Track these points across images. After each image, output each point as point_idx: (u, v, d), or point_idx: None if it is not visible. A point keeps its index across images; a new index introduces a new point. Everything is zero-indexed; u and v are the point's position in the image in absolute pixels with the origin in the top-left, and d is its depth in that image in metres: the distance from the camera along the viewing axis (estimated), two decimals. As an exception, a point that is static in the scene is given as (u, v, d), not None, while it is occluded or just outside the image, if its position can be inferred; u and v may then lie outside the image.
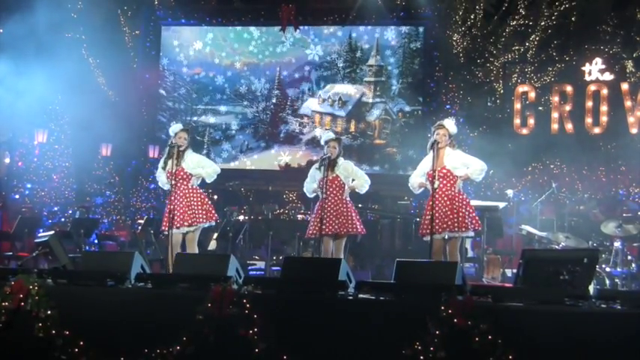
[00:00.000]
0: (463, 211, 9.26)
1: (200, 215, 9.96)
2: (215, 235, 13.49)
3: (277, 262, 13.03)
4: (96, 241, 14.65)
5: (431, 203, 9.15)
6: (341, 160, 10.15)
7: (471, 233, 9.51)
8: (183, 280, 7.55)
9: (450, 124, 9.63)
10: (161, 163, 10.10)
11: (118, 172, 18.53)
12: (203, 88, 19.23)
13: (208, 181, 10.14)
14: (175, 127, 10.16)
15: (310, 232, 10.03)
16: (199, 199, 10.05)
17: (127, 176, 18.64)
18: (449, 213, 9.22)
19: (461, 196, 9.36)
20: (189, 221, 9.86)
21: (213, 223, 10.24)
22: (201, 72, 19.27)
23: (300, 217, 14.99)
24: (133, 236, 14.81)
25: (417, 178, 9.58)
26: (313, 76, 18.84)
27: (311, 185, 10.20)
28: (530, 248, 10.79)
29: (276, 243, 13.30)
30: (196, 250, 9.98)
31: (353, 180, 10.17)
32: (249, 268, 12.94)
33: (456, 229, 9.23)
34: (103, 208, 17.80)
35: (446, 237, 9.24)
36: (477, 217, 9.40)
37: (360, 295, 7.15)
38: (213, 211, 10.05)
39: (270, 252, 12.90)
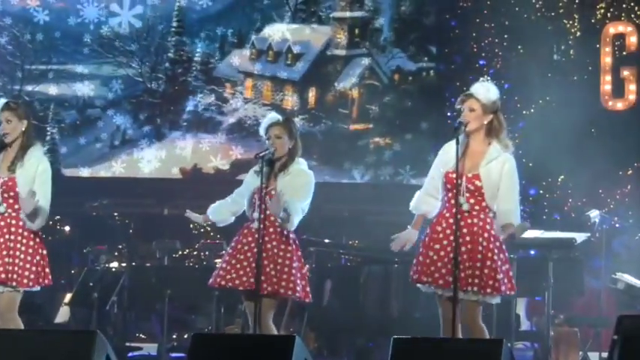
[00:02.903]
0: (494, 258, 7.70)
1: (22, 272, 8.43)
2: (67, 298, 12.65)
3: (180, 343, 12.18)
4: None
5: (439, 229, 7.67)
6: (298, 165, 8.62)
7: (498, 299, 8.00)
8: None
9: (485, 89, 7.86)
10: None
11: None
12: (44, 33, 16.44)
13: (32, 226, 8.47)
14: None
15: (218, 278, 8.54)
16: (29, 243, 8.61)
17: None
18: (465, 258, 7.67)
19: (493, 232, 7.94)
20: (5, 276, 8.40)
21: (38, 288, 8.78)
22: (40, 3, 16.51)
23: (219, 261, 12.50)
24: None
25: (427, 196, 8.06)
26: (241, 10, 16.35)
27: (236, 203, 8.68)
28: (633, 314, 8.39)
29: (177, 310, 12.26)
30: (19, 325, 8.51)
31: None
32: (131, 355, 12.10)
33: (475, 287, 7.66)
34: None
35: (459, 296, 7.92)
36: (510, 273, 8.03)
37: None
38: (46, 269, 8.71)
39: (168, 326, 11.64)
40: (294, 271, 8.84)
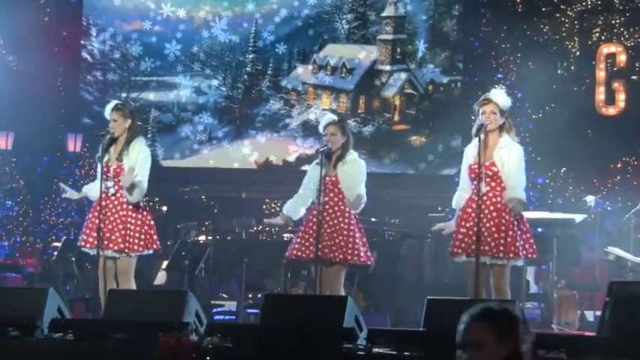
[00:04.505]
0: (514, 229, 8.82)
1: (134, 240, 9.60)
2: (164, 264, 13.23)
3: (255, 302, 12.81)
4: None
5: (469, 210, 8.76)
6: (351, 155, 9.73)
7: (520, 262, 9.14)
8: (119, 328, 7.33)
9: (500, 95, 9.04)
10: (99, 152, 9.97)
11: (23, 174, 17.44)
12: (145, 51, 18.03)
13: (131, 199, 9.60)
14: (107, 107, 10.02)
15: (294, 251, 9.69)
16: (138, 216, 9.74)
17: (37, 179, 17.55)
18: (494, 230, 8.79)
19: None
20: (122, 245, 9.56)
21: (151, 252, 9.99)
22: (143, 27, 17.90)
23: (286, 236, 14.24)
24: (46, 266, 14.12)
25: (463, 195, 9.11)
26: (305, 34, 17.74)
27: (306, 197, 9.73)
28: (621, 281, 10.29)
29: (253, 275, 12.89)
30: (133, 285, 9.71)
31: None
32: (215, 310, 12.76)
33: (501, 254, 8.76)
34: (2, 226, 16.91)
35: (487, 262, 8.80)
36: (531, 240, 9.07)
37: (375, 349, 6.87)
38: (154, 236, 9.81)
39: (245, 288, 12.57)
40: (357, 241, 9.64)
